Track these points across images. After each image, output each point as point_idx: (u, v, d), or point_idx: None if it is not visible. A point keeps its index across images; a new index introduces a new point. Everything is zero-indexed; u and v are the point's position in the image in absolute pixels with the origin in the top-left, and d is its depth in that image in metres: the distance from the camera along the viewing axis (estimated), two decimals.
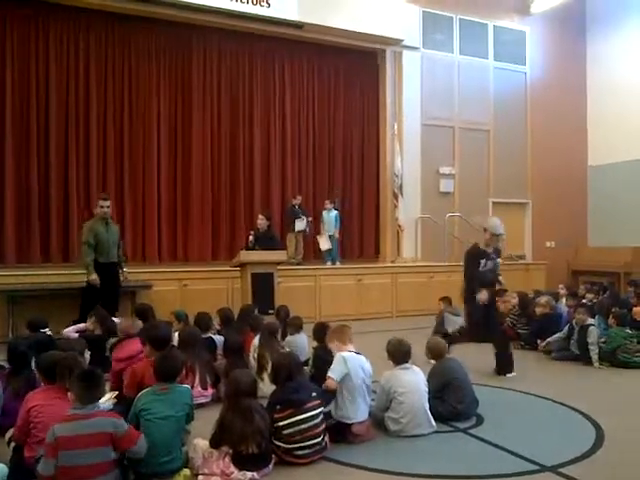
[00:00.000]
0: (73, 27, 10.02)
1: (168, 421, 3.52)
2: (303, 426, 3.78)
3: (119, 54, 10.41)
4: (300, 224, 10.73)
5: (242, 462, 3.53)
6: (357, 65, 12.48)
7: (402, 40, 12.26)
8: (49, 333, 5.95)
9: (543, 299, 8.16)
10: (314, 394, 3.97)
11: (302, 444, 3.77)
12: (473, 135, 13.31)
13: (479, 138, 13.42)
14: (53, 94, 9.84)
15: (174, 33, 10.75)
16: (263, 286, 8.17)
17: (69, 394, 3.30)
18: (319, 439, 3.86)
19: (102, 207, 7.41)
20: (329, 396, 4.27)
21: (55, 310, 7.81)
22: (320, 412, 3.92)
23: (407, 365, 4.54)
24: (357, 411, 4.25)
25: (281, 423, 3.78)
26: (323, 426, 3.93)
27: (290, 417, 3.78)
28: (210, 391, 5.06)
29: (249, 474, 3.52)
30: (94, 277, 7.20)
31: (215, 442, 3.61)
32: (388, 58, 12.48)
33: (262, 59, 11.62)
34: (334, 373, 4.25)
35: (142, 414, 3.53)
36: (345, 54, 12.26)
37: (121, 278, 7.64)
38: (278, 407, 3.81)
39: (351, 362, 4.28)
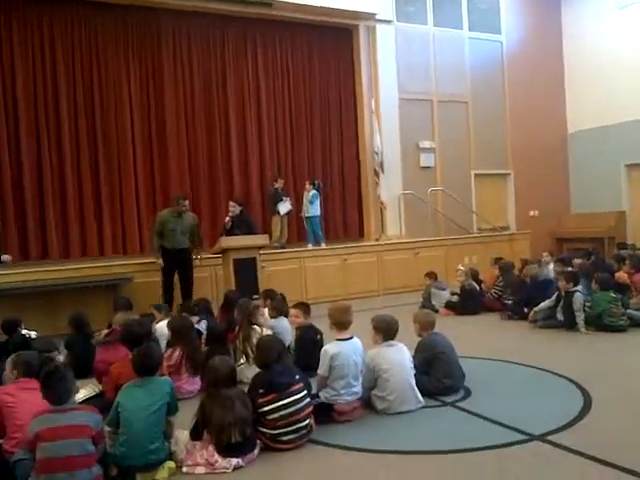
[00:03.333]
0: (37, 11, 9.69)
1: (147, 411, 3.45)
2: (287, 410, 3.71)
3: (85, 39, 10.07)
4: (284, 207, 10.60)
5: (226, 450, 3.47)
6: (331, 43, 12.28)
7: (375, 14, 12.07)
8: (26, 333, 5.85)
9: (530, 267, 8.17)
10: (297, 377, 3.90)
11: (287, 429, 3.71)
12: (452, 108, 13.20)
13: (458, 110, 13.31)
14: (19, 82, 9.54)
15: (142, 16, 10.48)
16: (246, 271, 8.10)
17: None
18: (304, 423, 3.80)
19: (181, 206, 8.39)
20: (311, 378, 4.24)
21: (36, 309, 7.79)
22: (304, 395, 3.85)
23: (392, 342, 4.49)
24: (343, 391, 4.21)
25: (265, 408, 3.71)
26: (308, 410, 3.87)
27: (274, 402, 3.70)
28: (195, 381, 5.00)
29: (234, 461, 3.47)
30: (159, 261, 8.31)
31: (195, 433, 3.55)
32: (362, 33, 12.30)
33: (234, 41, 11.38)
34: (321, 370, 4.25)
35: (120, 406, 3.46)
36: (318, 32, 12.07)
37: (195, 263, 8.55)
38: (261, 391, 3.73)
39: (340, 357, 4.21)
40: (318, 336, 5.20)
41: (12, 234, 9.40)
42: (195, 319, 5.95)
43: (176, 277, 8.51)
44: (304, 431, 3.80)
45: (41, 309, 7.96)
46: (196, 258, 8.64)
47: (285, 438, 3.71)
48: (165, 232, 8.29)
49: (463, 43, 13.46)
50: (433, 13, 13.05)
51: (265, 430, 3.71)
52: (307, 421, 3.83)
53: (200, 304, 6.44)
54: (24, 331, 5.87)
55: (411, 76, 12.68)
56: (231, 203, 9.26)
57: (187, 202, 8.58)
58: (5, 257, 7.90)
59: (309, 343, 4.95)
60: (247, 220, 9.31)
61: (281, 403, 3.70)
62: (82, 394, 4.24)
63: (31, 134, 9.65)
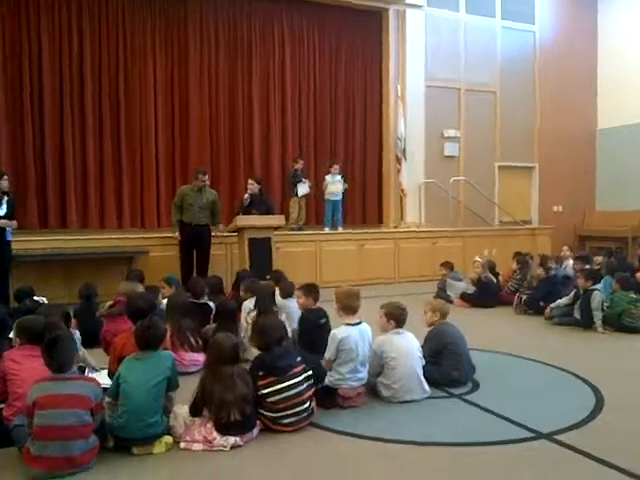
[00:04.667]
0: None
1: (147, 384, 3.42)
2: (287, 393, 3.66)
3: (113, 17, 10.06)
4: (303, 188, 10.48)
5: (225, 428, 3.44)
6: (359, 26, 12.08)
7: None
8: (39, 299, 5.88)
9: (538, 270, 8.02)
10: (298, 359, 3.85)
11: (287, 412, 3.66)
12: (479, 97, 12.95)
13: (485, 100, 13.05)
14: (45, 55, 9.55)
15: None
16: (261, 251, 8.07)
17: None
18: (305, 405, 3.75)
19: (201, 181, 8.42)
20: (315, 359, 4.19)
21: (53, 277, 7.86)
22: (305, 377, 3.80)
23: (400, 330, 4.42)
24: (349, 376, 4.15)
25: (264, 391, 3.65)
26: (309, 393, 3.81)
27: (273, 385, 3.65)
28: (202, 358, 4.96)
29: (232, 439, 3.44)
30: (176, 234, 8.45)
31: (195, 410, 3.52)
32: (391, 17, 12.07)
33: (261, 22, 11.25)
34: (329, 353, 4.19)
35: (121, 379, 3.44)
36: (346, 14, 11.87)
37: (213, 233, 8.63)
38: (261, 373, 3.67)
39: (348, 341, 4.15)
40: (323, 320, 5.14)
41: (32, 202, 9.47)
42: (205, 297, 5.91)
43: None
44: (305, 414, 3.75)
45: (58, 277, 8.04)
46: (215, 235, 8.68)
47: (286, 421, 3.67)
48: (185, 206, 8.35)
49: (495, 32, 13.15)
50: (465, 0, 12.76)
51: (265, 412, 3.67)
52: (308, 404, 3.77)
53: (212, 281, 6.40)
54: (36, 297, 5.91)
55: (439, 63, 12.44)
56: (250, 181, 9.22)
57: (207, 177, 8.52)
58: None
59: (312, 326, 4.88)
60: (266, 200, 9.27)
61: (281, 386, 3.65)
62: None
63: (54, 106, 9.68)
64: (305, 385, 3.77)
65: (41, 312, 4.22)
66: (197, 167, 9.68)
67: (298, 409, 3.70)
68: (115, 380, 3.49)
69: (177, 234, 8.45)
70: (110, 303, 5.59)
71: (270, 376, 3.67)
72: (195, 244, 8.42)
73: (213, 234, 8.65)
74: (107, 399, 3.48)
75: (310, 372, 3.86)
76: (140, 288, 5.83)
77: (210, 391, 3.47)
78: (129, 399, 3.37)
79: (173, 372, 3.58)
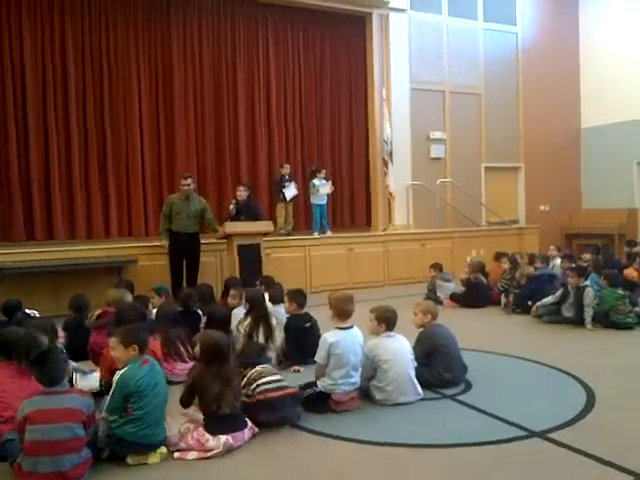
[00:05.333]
0: None
1: (159, 391, 3.48)
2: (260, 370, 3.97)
3: (95, 23, 9.97)
4: (290, 191, 10.46)
5: (215, 425, 3.47)
6: (343, 30, 12.12)
7: (388, 2, 11.90)
8: (30, 312, 5.82)
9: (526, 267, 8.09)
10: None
11: (261, 381, 3.87)
12: (464, 99, 13.03)
13: (470, 102, 13.14)
14: (28, 66, 9.46)
15: (152, 1, 10.39)
16: (250, 258, 8.06)
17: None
18: (278, 377, 4.00)
19: (183, 185, 8.33)
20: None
21: (41, 289, 7.79)
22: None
23: (391, 333, 4.42)
24: (341, 381, 4.16)
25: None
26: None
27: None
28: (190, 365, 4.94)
29: (223, 438, 3.46)
30: (163, 242, 8.40)
31: (184, 401, 3.64)
32: (375, 21, 12.11)
33: (245, 26, 11.24)
34: (319, 357, 4.23)
35: (137, 389, 3.41)
36: (330, 19, 11.90)
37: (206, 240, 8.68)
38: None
39: (339, 346, 4.16)
40: (308, 324, 5.16)
41: (18, 214, 9.37)
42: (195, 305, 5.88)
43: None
44: (276, 384, 3.91)
45: (45, 289, 7.96)
46: (215, 232, 8.69)
47: (259, 389, 3.84)
48: (173, 215, 8.31)
49: (477, 34, 13.25)
50: (448, 3, 12.86)
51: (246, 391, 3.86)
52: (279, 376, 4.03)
53: (202, 289, 6.38)
54: (27, 311, 5.85)
55: (423, 66, 12.52)
56: (239, 187, 9.21)
57: (189, 181, 8.39)
58: None
59: (297, 331, 4.95)
60: (254, 206, 9.25)
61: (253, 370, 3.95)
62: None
63: (39, 116, 9.57)
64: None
65: (30, 325, 4.17)
66: (181, 172, 9.67)
67: (276, 377, 3.96)
68: (122, 396, 3.43)
69: (164, 242, 8.40)
70: (98, 313, 5.51)
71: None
72: (184, 253, 8.37)
73: (206, 241, 8.63)
74: (103, 414, 3.45)
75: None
76: (129, 297, 5.77)
77: (202, 384, 3.52)
78: (145, 407, 3.40)
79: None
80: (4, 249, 8.35)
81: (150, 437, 3.42)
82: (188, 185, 8.33)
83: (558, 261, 8.96)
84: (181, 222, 8.28)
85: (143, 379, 3.44)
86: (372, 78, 12.23)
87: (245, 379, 3.88)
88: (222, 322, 5.27)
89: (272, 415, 3.79)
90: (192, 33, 10.81)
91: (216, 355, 3.62)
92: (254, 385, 3.84)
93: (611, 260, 8.58)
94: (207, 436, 3.45)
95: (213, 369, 3.57)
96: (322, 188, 10.63)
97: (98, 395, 3.93)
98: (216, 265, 9.11)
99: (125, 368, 3.51)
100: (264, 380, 3.86)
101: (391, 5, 12.02)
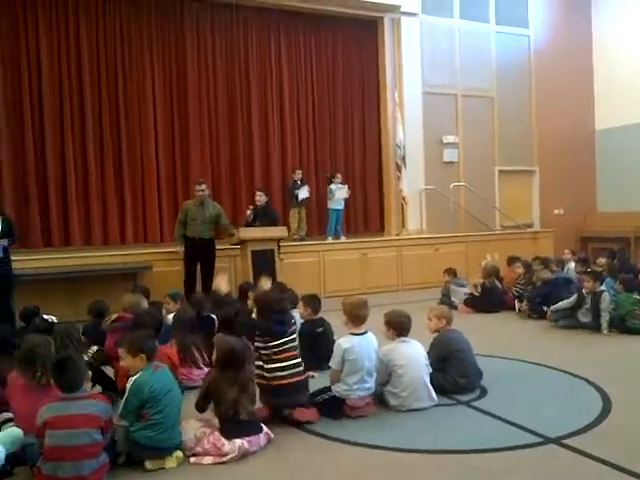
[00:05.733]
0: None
1: (173, 395, 3.54)
2: (280, 349, 4.07)
3: (110, 27, 10.07)
4: (302, 192, 10.55)
5: (231, 430, 3.51)
6: (355, 35, 12.17)
7: (400, 6, 11.93)
8: (48, 318, 5.87)
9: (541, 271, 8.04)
10: (293, 321, 4.44)
11: (280, 364, 4.04)
12: (476, 102, 13.01)
13: (483, 105, 13.11)
14: (45, 69, 9.58)
15: (166, 7, 10.49)
16: (264, 263, 8.08)
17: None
18: (297, 360, 4.15)
19: (197, 191, 8.43)
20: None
21: (57, 295, 7.88)
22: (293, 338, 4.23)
23: (406, 339, 4.43)
24: (356, 386, 4.17)
25: (259, 344, 4.10)
26: (297, 350, 4.23)
27: (267, 342, 4.08)
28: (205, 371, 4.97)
29: (238, 442, 3.49)
30: (178, 249, 8.48)
31: (200, 406, 3.68)
32: (387, 26, 12.16)
33: (258, 32, 11.32)
34: (334, 363, 4.26)
35: (151, 394, 3.45)
36: (342, 24, 11.95)
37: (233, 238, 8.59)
38: (257, 333, 4.11)
39: (353, 351, 4.18)
40: (320, 329, 5.19)
41: (35, 221, 9.48)
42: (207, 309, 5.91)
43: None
44: (295, 369, 4.10)
45: (62, 295, 8.05)
46: (231, 237, 8.70)
47: (278, 374, 4.02)
48: (188, 220, 8.37)
49: (489, 37, 13.23)
50: (459, 6, 12.85)
51: (261, 363, 4.06)
52: (299, 359, 4.18)
53: (216, 295, 6.42)
54: (45, 316, 5.90)
55: (436, 69, 12.52)
56: (258, 192, 9.26)
57: (203, 187, 8.47)
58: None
59: (310, 336, 5.03)
60: (271, 211, 9.27)
61: (274, 343, 4.08)
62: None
63: (55, 122, 9.69)
64: (294, 343, 4.23)
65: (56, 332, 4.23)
66: (195, 178, 9.70)
67: (289, 362, 4.08)
68: (136, 403, 3.47)
69: (179, 249, 8.48)
70: (114, 317, 5.55)
71: (266, 336, 4.09)
72: (199, 258, 8.41)
73: (220, 247, 8.70)
74: (120, 421, 3.49)
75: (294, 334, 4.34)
76: (144, 302, 5.80)
77: (217, 390, 3.56)
78: (162, 412, 3.45)
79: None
80: (21, 256, 8.44)
81: (167, 441, 3.47)
82: (202, 191, 8.39)
83: (573, 265, 8.90)
84: (196, 228, 8.33)
85: (156, 385, 3.48)
86: (384, 82, 12.25)
87: (265, 351, 4.04)
88: (229, 324, 5.24)
89: (283, 399, 4.01)
90: (205, 39, 10.90)
91: (232, 361, 3.66)
92: (270, 366, 4.01)
93: (627, 264, 8.50)
94: (223, 440, 3.49)
95: (229, 375, 3.60)
96: (338, 192, 10.67)
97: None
98: (230, 270, 9.15)
99: (138, 374, 3.55)
100: (279, 365, 4.02)
101: (403, 9, 12.04)
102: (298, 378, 4.09)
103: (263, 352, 4.06)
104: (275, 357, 4.03)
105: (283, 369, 4.02)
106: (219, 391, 3.55)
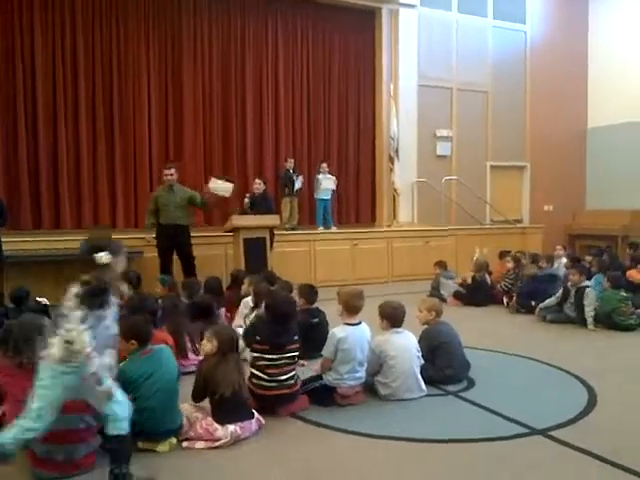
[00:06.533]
0: None
1: (157, 381, 3.47)
2: (276, 363, 3.98)
3: (106, 11, 10.04)
4: (297, 183, 10.59)
5: (223, 415, 3.53)
6: (353, 25, 12.15)
7: None
8: (41, 301, 5.85)
9: (528, 266, 8.12)
10: (295, 337, 4.14)
11: (273, 378, 3.95)
12: (471, 97, 13.06)
13: (477, 100, 13.17)
14: (38, 51, 9.54)
15: None
16: (256, 251, 8.07)
17: None
18: (289, 375, 4.04)
19: (166, 175, 8.06)
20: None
21: (46, 278, 7.84)
22: (293, 355, 4.09)
23: (399, 329, 4.47)
24: (347, 375, 4.22)
25: (256, 354, 4.04)
26: (294, 366, 4.12)
27: (265, 353, 3.99)
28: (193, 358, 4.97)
29: (231, 427, 3.52)
30: (147, 237, 8.31)
31: (196, 395, 3.67)
32: (384, 17, 12.16)
33: (254, 20, 11.29)
34: (327, 352, 4.27)
35: (129, 380, 3.42)
36: (340, 13, 11.93)
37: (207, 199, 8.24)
38: (258, 338, 4.04)
39: (347, 341, 4.21)
40: (315, 319, 5.20)
41: (26, 203, 9.45)
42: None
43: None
44: (287, 383, 4.01)
45: (51, 278, 7.99)
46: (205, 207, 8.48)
47: (268, 384, 3.95)
48: (160, 207, 7.97)
49: (486, 31, 13.27)
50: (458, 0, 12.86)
51: (255, 372, 4.00)
52: (292, 374, 4.07)
53: (211, 282, 6.41)
54: (38, 299, 5.88)
55: (432, 63, 12.54)
56: (257, 180, 9.22)
57: (172, 171, 8.00)
58: None
59: (304, 326, 4.98)
60: (267, 200, 9.22)
61: (272, 357, 3.97)
62: None
63: (47, 105, 9.67)
64: (292, 361, 4.09)
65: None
66: (190, 169, 9.71)
67: (282, 377, 3.99)
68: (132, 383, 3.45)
69: (148, 236, 8.24)
70: None
71: (265, 344, 4.00)
72: (173, 245, 8.03)
73: (213, 234, 8.70)
74: None
75: (297, 352, 4.16)
76: (125, 287, 5.67)
77: (217, 377, 3.56)
78: (150, 399, 3.42)
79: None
80: (11, 237, 8.39)
81: (158, 427, 3.43)
82: (171, 175, 7.98)
83: (564, 261, 8.98)
84: (169, 214, 7.94)
85: (135, 370, 3.46)
86: (380, 74, 12.27)
87: (259, 362, 3.99)
88: (205, 312, 5.25)
89: (265, 404, 3.96)
90: (202, 27, 10.87)
91: (232, 347, 3.71)
92: (259, 374, 3.95)
93: (615, 262, 8.60)
94: (215, 425, 3.51)
95: (231, 358, 3.65)
96: (325, 182, 10.69)
97: None
98: (222, 258, 9.15)
99: (126, 360, 3.58)
100: (268, 378, 3.94)
101: (401, 1, 12.02)
102: (286, 391, 4.00)
103: (258, 363, 3.99)
104: (267, 370, 3.95)
105: (270, 381, 3.95)
106: (218, 378, 3.54)
